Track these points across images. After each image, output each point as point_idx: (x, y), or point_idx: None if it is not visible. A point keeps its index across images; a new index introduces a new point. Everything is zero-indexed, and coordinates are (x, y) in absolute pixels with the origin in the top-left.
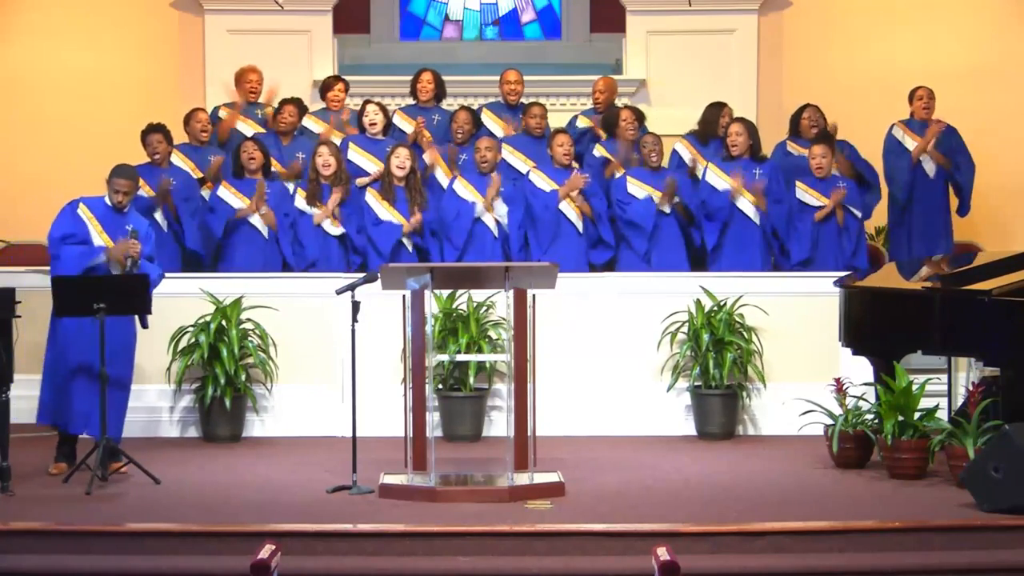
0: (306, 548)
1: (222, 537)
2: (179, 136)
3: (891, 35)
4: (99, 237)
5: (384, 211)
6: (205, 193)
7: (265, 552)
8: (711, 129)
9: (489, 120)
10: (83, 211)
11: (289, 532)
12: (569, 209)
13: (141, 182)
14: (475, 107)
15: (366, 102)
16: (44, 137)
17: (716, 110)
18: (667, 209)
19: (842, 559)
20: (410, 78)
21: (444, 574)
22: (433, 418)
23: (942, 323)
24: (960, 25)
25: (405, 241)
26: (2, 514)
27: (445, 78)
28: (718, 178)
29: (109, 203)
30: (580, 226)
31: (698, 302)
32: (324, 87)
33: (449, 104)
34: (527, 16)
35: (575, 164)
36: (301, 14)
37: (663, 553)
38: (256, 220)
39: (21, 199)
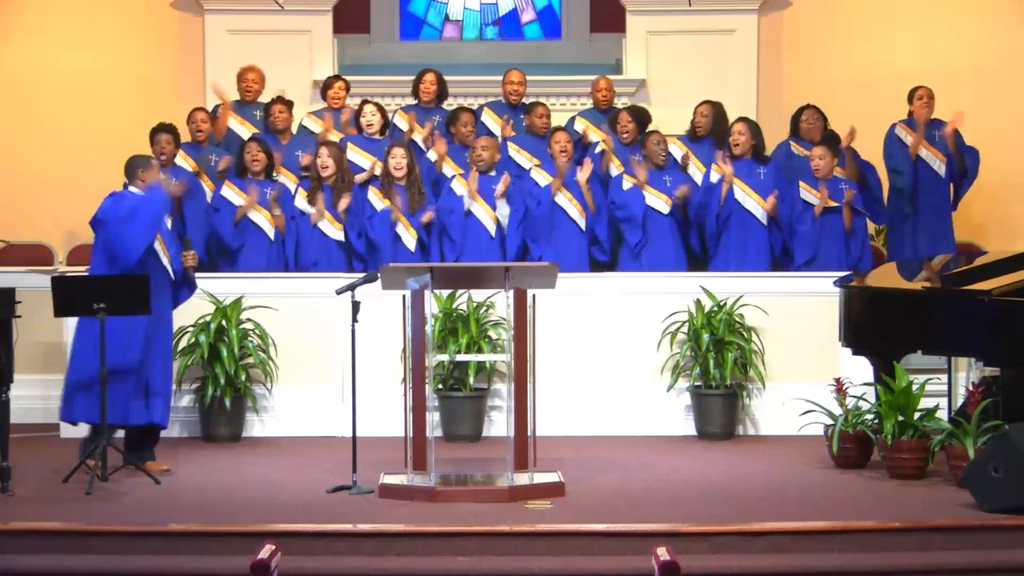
0: (306, 548)
1: (222, 537)
2: (185, 136)
3: (891, 35)
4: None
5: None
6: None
7: (265, 552)
8: (693, 125)
9: (489, 119)
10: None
11: (289, 532)
12: (568, 204)
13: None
14: (475, 107)
15: (364, 102)
16: (44, 137)
17: (697, 107)
18: (666, 209)
19: (842, 559)
20: (411, 78)
21: (444, 574)
22: (433, 418)
23: (942, 323)
24: (960, 25)
25: (406, 241)
26: (2, 514)
27: (445, 78)
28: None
29: (136, 191)
30: (582, 223)
31: (698, 302)
32: (325, 86)
33: (449, 104)
34: (527, 16)
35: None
36: (301, 14)
37: (663, 553)
38: (262, 221)
39: (21, 199)
